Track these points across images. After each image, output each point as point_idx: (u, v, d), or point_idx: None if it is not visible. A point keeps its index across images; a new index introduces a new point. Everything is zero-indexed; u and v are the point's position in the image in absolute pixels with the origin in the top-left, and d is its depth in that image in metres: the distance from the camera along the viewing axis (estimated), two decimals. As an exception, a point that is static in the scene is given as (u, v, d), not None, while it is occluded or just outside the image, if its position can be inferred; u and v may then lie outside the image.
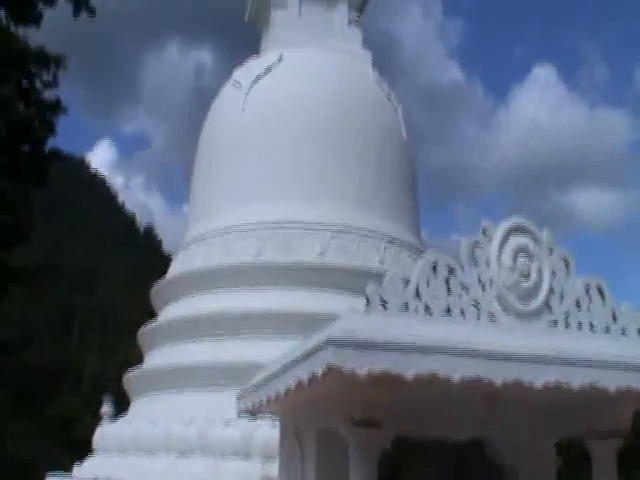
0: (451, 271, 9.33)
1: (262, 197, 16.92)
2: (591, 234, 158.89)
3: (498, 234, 9.81)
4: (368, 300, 8.73)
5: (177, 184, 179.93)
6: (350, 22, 20.70)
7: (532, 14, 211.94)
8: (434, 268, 9.19)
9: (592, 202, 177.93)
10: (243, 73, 19.18)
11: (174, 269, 18.02)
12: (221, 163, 17.95)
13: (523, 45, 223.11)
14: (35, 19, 22.83)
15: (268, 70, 18.52)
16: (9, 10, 22.42)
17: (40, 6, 22.77)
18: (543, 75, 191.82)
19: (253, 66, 19.18)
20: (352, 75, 18.97)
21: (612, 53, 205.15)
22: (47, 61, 23.87)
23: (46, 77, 24.12)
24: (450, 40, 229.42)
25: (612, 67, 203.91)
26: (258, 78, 18.46)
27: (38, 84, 24.23)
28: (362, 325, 8.11)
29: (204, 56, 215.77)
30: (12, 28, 22.56)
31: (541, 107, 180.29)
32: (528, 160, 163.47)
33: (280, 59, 18.67)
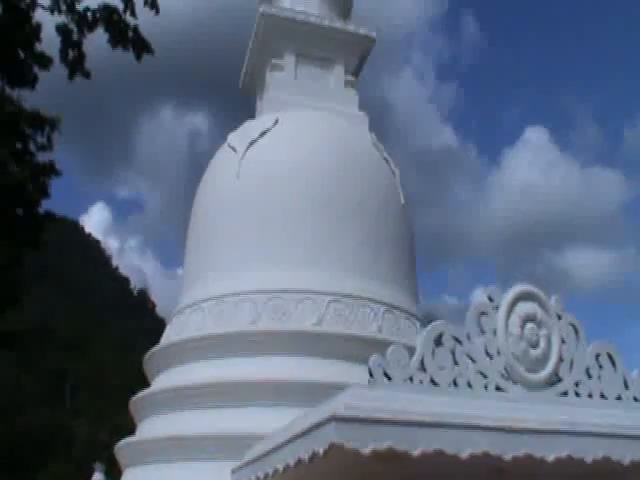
0: (457, 341, 9.01)
1: (257, 263, 16.57)
2: (586, 294, 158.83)
3: (505, 301, 9.52)
4: (371, 373, 8.36)
5: (171, 247, 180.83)
6: (346, 84, 20.58)
7: (524, 78, 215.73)
8: (439, 338, 8.87)
9: (586, 262, 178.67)
10: (237, 137, 18.89)
11: (168, 336, 17.64)
12: (215, 229, 17.64)
13: (515, 108, 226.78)
14: (30, 82, 22.73)
15: (263, 134, 18.20)
16: (3, 73, 22.30)
17: (35, 69, 22.67)
18: (535, 137, 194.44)
19: (248, 130, 18.90)
20: (349, 138, 18.75)
21: (603, 114, 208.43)
22: (42, 123, 23.71)
23: (40, 139, 23.96)
24: (443, 104, 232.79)
25: (603, 128, 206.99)
26: (253, 142, 18.14)
27: (32, 146, 24.09)
28: (365, 400, 7.75)
29: (199, 120, 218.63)
30: (6, 90, 22.46)
31: (533, 169, 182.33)
32: (521, 221, 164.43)
33: (276, 122, 18.38)
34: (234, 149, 18.46)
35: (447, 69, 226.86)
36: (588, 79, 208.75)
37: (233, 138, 19.05)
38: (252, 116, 21.45)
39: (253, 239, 16.82)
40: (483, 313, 9.38)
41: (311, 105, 19.28)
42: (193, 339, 16.25)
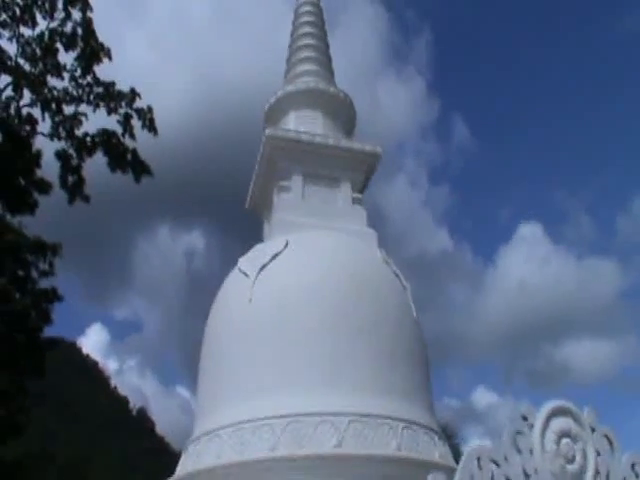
0: (495, 463, 8.83)
1: (274, 388, 16.21)
2: (587, 385, 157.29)
3: (539, 419, 9.43)
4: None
5: (171, 366, 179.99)
6: (354, 202, 20.75)
7: (515, 175, 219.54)
8: (478, 462, 8.68)
9: (585, 353, 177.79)
10: (248, 262, 18.79)
11: (185, 465, 17.13)
12: (229, 354, 17.35)
13: (509, 206, 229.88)
14: (30, 208, 22.83)
15: (274, 258, 18.15)
16: (4, 201, 22.42)
17: (35, 195, 22.80)
18: (529, 233, 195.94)
19: (258, 254, 18.83)
20: (360, 257, 18.74)
21: (594, 205, 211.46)
22: (44, 250, 23.77)
23: (42, 266, 23.97)
24: (437, 207, 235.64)
25: (595, 218, 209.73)
26: (264, 267, 18.04)
27: (34, 273, 24.03)
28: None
29: (195, 239, 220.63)
30: (7, 217, 22.54)
31: (529, 264, 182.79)
32: (519, 318, 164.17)
33: (286, 245, 18.36)
34: (245, 274, 18.34)
35: (439, 173, 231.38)
36: (578, 172, 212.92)
37: (244, 263, 18.94)
38: (258, 236, 21.53)
39: (268, 363, 16.52)
40: (519, 432, 9.26)
41: (320, 225, 19.33)
42: (213, 468, 15.78)
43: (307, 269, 17.84)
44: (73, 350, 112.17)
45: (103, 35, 21.87)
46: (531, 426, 9.35)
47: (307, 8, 24.60)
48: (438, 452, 16.33)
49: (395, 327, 17.64)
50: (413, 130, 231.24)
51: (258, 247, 19.59)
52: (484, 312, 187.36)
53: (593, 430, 9.93)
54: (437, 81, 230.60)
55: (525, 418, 9.39)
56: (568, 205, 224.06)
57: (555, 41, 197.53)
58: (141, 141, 22.73)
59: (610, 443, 10.09)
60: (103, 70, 22.48)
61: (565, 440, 9.50)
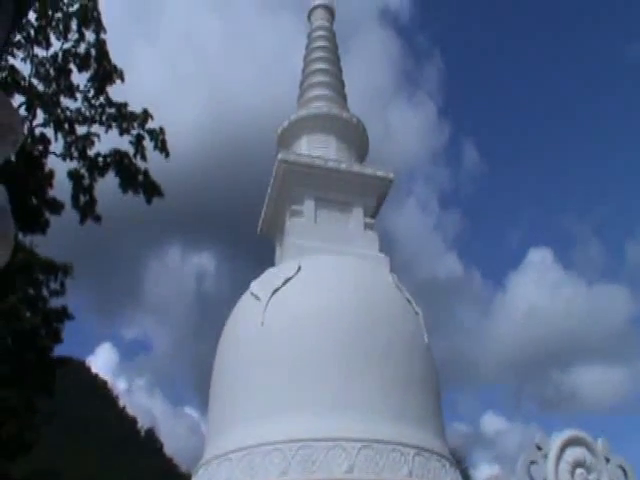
0: (509, 493, 8.77)
1: (285, 411, 16.13)
2: (599, 411, 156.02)
3: (553, 449, 9.35)
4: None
5: (180, 386, 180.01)
6: (366, 227, 20.77)
7: (525, 200, 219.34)
8: (492, 492, 8.65)
9: (596, 379, 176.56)
10: (260, 285, 18.79)
11: (194, 488, 17.13)
12: (241, 377, 17.27)
13: (518, 231, 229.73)
14: (42, 227, 22.97)
15: (286, 281, 18.14)
16: (16, 220, 22.45)
17: (47, 214, 22.92)
18: (539, 258, 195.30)
19: (270, 278, 18.84)
20: (373, 282, 18.71)
21: (603, 230, 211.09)
22: (55, 270, 23.90)
23: (53, 285, 24.10)
24: (447, 232, 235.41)
25: (604, 243, 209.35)
26: (276, 290, 18.04)
27: (45, 292, 24.16)
28: None
29: (205, 260, 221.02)
30: (19, 236, 22.67)
31: (539, 289, 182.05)
32: (528, 343, 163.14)
33: (298, 270, 18.36)
34: (257, 297, 18.33)
35: (450, 197, 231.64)
36: (585, 196, 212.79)
37: (256, 286, 18.93)
38: (270, 260, 21.60)
39: (280, 387, 16.47)
40: (533, 462, 9.20)
41: (332, 249, 19.34)
42: (223, 492, 15.79)
43: (320, 293, 17.84)
44: (82, 369, 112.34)
45: (115, 56, 22.05)
46: (545, 456, 9.28)
47: (320, 33, 24.78)
48: (449, 479, 16.23)
49: (408, 353, 17.59)
50: (424, 155, 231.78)
51: (270, 271, 19.62)
52: (493, 337, 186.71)
53: (607, 460, 9.85)
54: (448, 106, 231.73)
55: (539, 448, 9.33)
56: (576, 229, 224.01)
57: (567, 68, 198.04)
58: (151, 163, 22.81)
59: (625, 473, 10.00)
60: (114, 91, 22.61)
61: (579, 470, 9.42)
